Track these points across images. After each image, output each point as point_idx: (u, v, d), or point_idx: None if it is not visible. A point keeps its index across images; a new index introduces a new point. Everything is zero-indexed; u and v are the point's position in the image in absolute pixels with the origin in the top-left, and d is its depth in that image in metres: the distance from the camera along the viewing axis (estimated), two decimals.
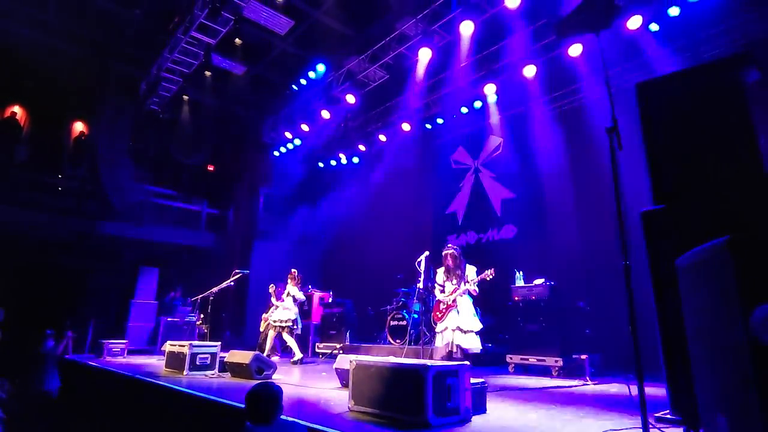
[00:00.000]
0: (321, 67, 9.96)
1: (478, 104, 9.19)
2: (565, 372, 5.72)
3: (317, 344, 9.23)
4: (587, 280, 7.12)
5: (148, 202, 12.50)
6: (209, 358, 5.87)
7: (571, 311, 6.41)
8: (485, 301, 6.57)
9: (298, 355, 7.27)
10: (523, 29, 7.66)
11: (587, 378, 5.37)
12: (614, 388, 4.86)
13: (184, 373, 5.60)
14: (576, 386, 5.03)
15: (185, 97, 11.53)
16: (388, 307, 8.40)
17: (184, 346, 5.86)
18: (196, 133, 12.87)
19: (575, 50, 7.23)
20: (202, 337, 9.11)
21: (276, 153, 12.51)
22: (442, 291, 5.55)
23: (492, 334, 7.09)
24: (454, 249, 5.63)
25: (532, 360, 6.06)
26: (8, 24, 10.03)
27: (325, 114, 10.41)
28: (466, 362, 3.44)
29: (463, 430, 2.94)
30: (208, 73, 10.78)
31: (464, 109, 9.42)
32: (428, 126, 10.28)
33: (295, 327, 7.50)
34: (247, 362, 5.36)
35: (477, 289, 5.40)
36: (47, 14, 10.12)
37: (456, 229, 10.09)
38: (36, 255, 11.10)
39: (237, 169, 13.99)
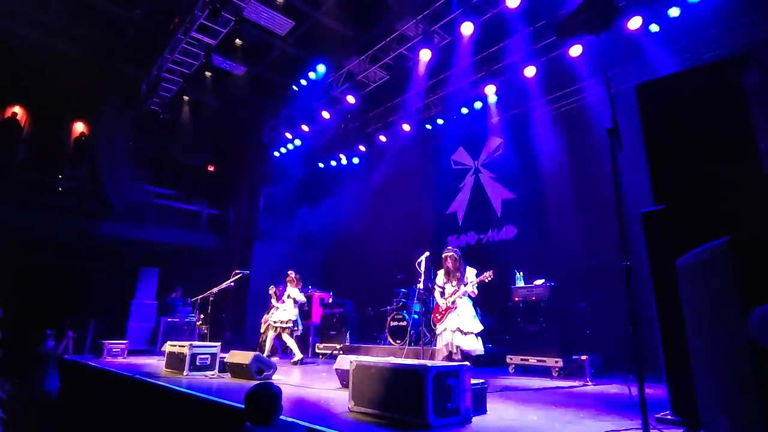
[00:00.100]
0: (321, 68, 9.96)
1: (478, 105, 9.19)
2: (566, 373, 5.72)
3: (317, 345, 9.22)
4: (587, 280, 7.11)
5: (149, 202, 12.50)
6: (209, 359, 5.87)
7: (572, 312, 6.41)
8: (485, 301, 6.56)
9: (298, 355, 7.27)
10: (523, 30, 7.67)
11: (587, 379, 5.37)
12: (614, 389, 4.86)
13: (184, 373, 5.59)
14: (576, 387, 5.03)
15: (185, 98, 11.54)
16: (389, 307, 8.40)
17: (184, 346, 5.86)
18: (196, 133, 12.87)
19: (575, 51, 7.24)
20: (202, 338, 9.11)
21: (276, 153, 12.52)
22: (442, 293, 5.55)
23: (492, 335, 7.09)
24: (454, 251, 5.63)
25: (533, 361, 6.05)
26: (9, 24, 10.05)
27: (326, 114, 10.41)
28: (466, 363, 3.43)
29: (464, 430, 2.94)
30: (208, 74, 10.79)
31: (464, 110, 9.42)
32: (428, 126, 10.28)
33: (295, 328, 7.50)
34: (247, 363, 5.35)
35: (476, 291, 5.39)
36: (48, 14, 10.13)
37: (456, 230, 10.09)
38: (36, 255, 11.12)
39: (237, 169, 14.00)
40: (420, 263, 5.78)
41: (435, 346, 6.25)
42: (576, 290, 6.82)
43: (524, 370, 6.23)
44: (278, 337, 7.56)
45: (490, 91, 8.69)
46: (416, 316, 7.49)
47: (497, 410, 3.57)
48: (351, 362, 3.56)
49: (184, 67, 9.70)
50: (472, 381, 3.28)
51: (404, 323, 7.64)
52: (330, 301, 9.75)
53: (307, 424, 2.76)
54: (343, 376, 4.51)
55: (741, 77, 2.56)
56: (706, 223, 2.39)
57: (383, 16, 9.19)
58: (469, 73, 8.74)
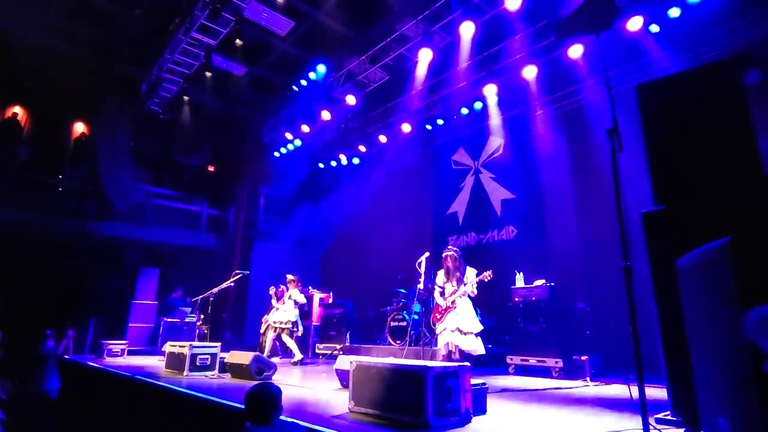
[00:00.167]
0: (321, 68, 9.97)
1: (478, 105, 9.19)
2: (566, 373, 5.71)
3: (317, 345, 9.23)
4: (587, 281, 7.11)
5: (149, 202, 12.49)
6: (209, 359, 5.87)
7: (572, 312, 6.40)
8: (485, 302, 6.56)
9: (298, 356, 7.27)
10: (523, 30, 7.67)
11: (587, 379, 5.37)
12: (614, 389, 4.85)
13: (184, 373, 5.59)
14: (576, 387, 5.03)
15: (186, 98, 11.54)
16: (389, 308, 8.40)
17: (184, 346, 5.86)
18: (196, 133, 12.88)
19: (575, 51, 7.24)
20: (202, 338, 9.10)
21: (276, 154, 12.52)
22: (442, 293, 5.55)
23: (492, 335, 7.08)
24: (454, 251, 5.62)
25: (533, 361, 6.05)
26: (9, 25, 10.05)
27: (326, 115, 10.41)
28: (467, 363, 3.43)
29: (464, 431, 2.94)
30: (208, 74, 10.80)
31: (464, 110, 9.42)
32: (428, 127, 10.28)
33: (295, 329, 7.50)
34: (247, 363, 5.35)
35: (475, 291, 5.39)
36: (48, 15, 10.13)
37: (456, 230, 10.09)
38: (36, 255, 11.11)
39: (237, 169, 14.00)
40: (420, 263, 5.78)
41: (435, 346, 6.25)
42: (576, 290, 6.82)
43: (524, 371, 6.22)
44: (278, 338, 7.56)
45: (491, 91, 8.69)
46: (416, 317, 7.49)
47: (497, 411, 3.57)
48: (351, 363, 3.56)
49: (184, 68, 9.70)
50: (472, 381, 3.28)
51: (404, 324, 7.64)
52: (330, 301, 9.75)
53: (307, 425, 2.76)
54: (343, 376, 4.51)
55: (741, 77, 2.56)
56: (706, 223, 2.39)
57: (383, 17, 9.20)
58: (469, 74, 8.75)
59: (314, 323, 9.61)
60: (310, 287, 9.96)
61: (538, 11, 7.31)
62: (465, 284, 5.38)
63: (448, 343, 5.30)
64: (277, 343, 7.79)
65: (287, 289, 7.74)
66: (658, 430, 2.65)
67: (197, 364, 5.74)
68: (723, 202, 2.45)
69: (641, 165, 2.83)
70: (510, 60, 8.12)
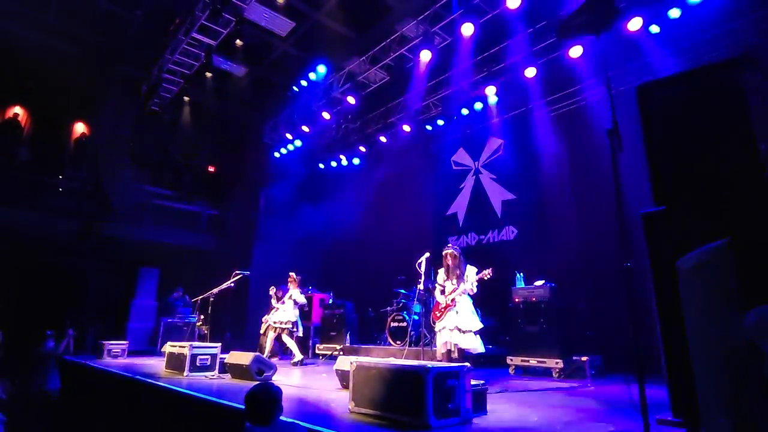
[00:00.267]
0: (321, 69, 9.97)
1: (478, 106, 9.19)
2: (566, 373, 5.71)
3: (317, 345, 9.22)
4: (588, 281, 7.11)
5: (149, 203, 12.50)
6: (209, 360, 5.87)
7: (572, 313, 6.40)
8: (486, 302, 6.56)
9: (298, 356, 7.26)
10: (523, 31, 7.68)
11: (588, 380, 5.37)
12: (615, 390, 4.85)
13: (185, 374, 5.59)
14: (577, 388, 5.03)
15: (186, 98, 11.57)
16: (389, 308, 8.40)
17: (184, 347, 5.86)
18: (196, 134, 12.89)
19: (576, 52, 7.24)
20: (202, 339, 9.11)
21: (276, 154, 12.52)
22: (442, 291, 5.54)
23: (493, 336, 7.08)
24: (454, 248, 5.61)
25: (533, 361, 6.05)
26: (9, 25, 10.06)
27: (326, 115, 10.42)
28: (467, 363, 3.43)
29: (464, 431, 2.94)
30: (209, 75, 10.81)
31: (465, 111, 9.43)
32: (429, 127, 10.29)
33: (295, 329, 7.49)
34: (247, 363, 5.35)
35: (475, 289, 5.37)
36: (48, 15, 10.14)
37: (456, 231, 10.09)
38: (36, 255, 11.11)
39: (237, 170, 14.00)
40: (420, 264, 5.78)
41: (435, 347, 6.25)
42: (576, 291, 6.82)
43: (525, 371, 6.22)
44: (278, 338, 7.56)
45: (491, 92, 8.70)
46: (416, 317, 7.49)
47: (497, 411, 3.57)
48: (351, 363, 3.56)
49: (184, 68, 9.70)
50: (473, 382, 3.28)
51: (404, 324, 7.64)
52: (330, 302, 9.75)
53: (307, 425, 2.76)
54: (343, 376, 4.51)
55: (741, 78, 2.56)
56: (706, 224, 2.39)
57: (384, 17, 9.21)
58: (470, 74, 8.75)
59: (314, 324, 9.60)
60: (309, 287, 9.96)
61: (538, 12, 7.32)
62: (465, 282, 5.36)
63: (446, 343, 5.28)
64: (277, 344, 7.79)
65: (288, 287, 7.75)
66: (659, 430, 2.65)
67: (197, 364, 5.74)
68: (723, 203, 2.45)
69: (641, 165, 2.83)
70: (510, 60, 8.13)
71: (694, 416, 2.22)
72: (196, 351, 5.79)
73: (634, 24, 6.52)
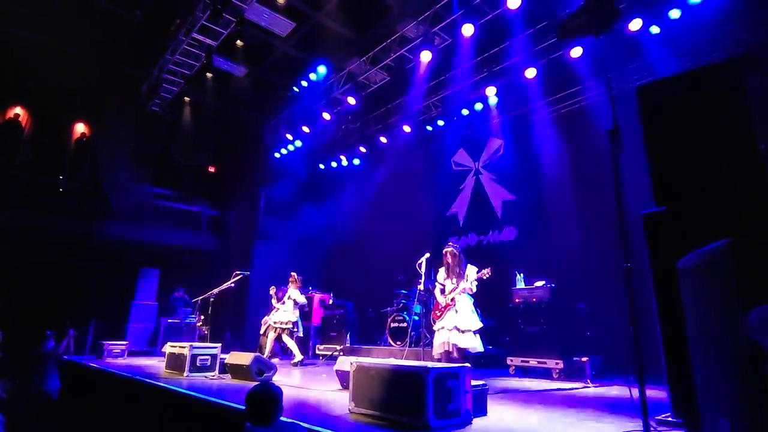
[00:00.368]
0: (322, 69, 9.97)
1: (479, 106, 9.19)
2: (566, 374, 5.71)
3: (318, 346, 9.22)
4: (588, 282, 7.10)
5: (149, 203, 12.51)
6: (209, 360, 5.87)
7: (572, 313, 6.40)
8: (486, 303, 6.55)
9: (299, 356, 7.26)
10: (524, 31, 7.67)
11: (588, 380, 5.36)
12: (615, 391, 4.85)
13: (185, 374, 5.59)
14: (577, 388, 5.02)
15: (186, 99, 11.55)
16: (389, 309, 8.40)
17: (184, 347, 5.86)
18: (197, 134, 12.88)
19: (576, 52, 7.24)
20: (202, 339, 9.11)
21: (277, 154, 12.52)
22: (443, 290, 5.54)
23: (492, 336, 7.08)
24: (454, 247, 5.60)
25: (533, 362, 6.05)
26: (10, 25, 10.06)
27: (326, 116, 10.42)
28: (467, 364, 3.43)
29: None
30: (209, 75, 10.79)
31: (465, 111, 9.43)
32: (429, 128, 10.29)
33: (295, 330, 7.50)
34: (247, 364, 5.35)
35: (474, 289, 5.36)
36: (49, 16, 10.14)
37: (457, 231, 10.09)
38: (37, 255, 11.11)
39: (238, 170, 14.01)
40: (420, 264, 5.77)
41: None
42: (577, 292, 6.81)
43: (525, 372, 6.22)
44: (278, 339, 7.56)
45: (491, 92, 8.70)
46: (416, 318, 7.49)
47: (498, 412, 3.57)
48: (351, 363, 3.55)
49: (185, 68, 9.71)
50: (473, 382, 3.28)
51: (404, 324, 7.64)
52: (330, 302, 9.75)
53: (307, 426, 2.76)
54: (343, 377, 4.51)
55: (741, 78, 2.56)
56: (706, 224, 2.39)
57: (384, 18, 9.21)
58: (470, 75, 8.75)
59: (314, 324, 9.60)
60: (310, 288, 9.96)
61: (538, 12, 7.32)
62: (465, 281, 5.36)
63: (444, 343, 5.27)
64: (278, 344, 7.79)
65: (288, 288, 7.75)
66: (659, 431, 2.65)
67: (197, 364, 5.73)
68: (723, 203, 2.46)
69: (642, 166, 2.84)
70: (510, 61, 8.13)
71: (694, 417, 2.22)
72: (196, 351, 5.78)
73: (635, 24, 6.52)
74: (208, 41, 8.83)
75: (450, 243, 5.85)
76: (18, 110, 11.76)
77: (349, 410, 3.40)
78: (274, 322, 7.52)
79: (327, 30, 9.78)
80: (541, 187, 8.58)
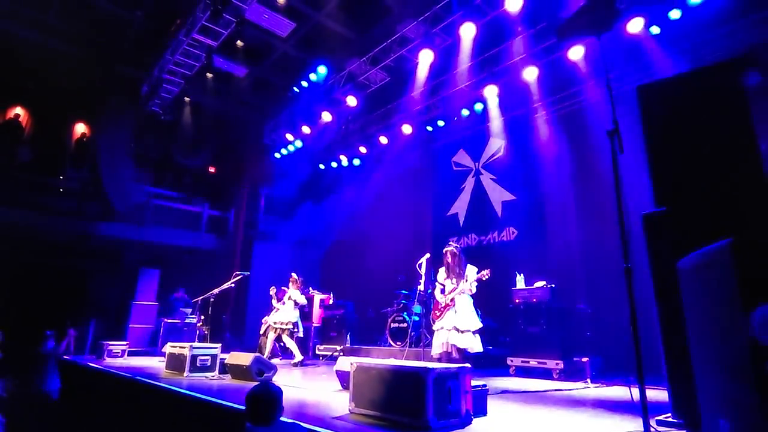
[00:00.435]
0: (322, 69, 9.98)
1: (479, 107, 9.19)
2: (566, 374, 5.70)
3: (318, 346, 9.22)
4: (588, 282, 7.10)
5: (149, 203, 12.51)
6: (210, 360, 5.86)
7: (572, 313, 6.40)
8: (486, 303, 6.56)
9: (299, 357, 7.26)
10: (524, 32, 7.68)
11: (588, 381, 5.36)
12: (615, 391, 4.84)
13: (185, 374, 5.59)
14: (577, 389, 5.02)
15: (187, 99, 11.57)
16: (389, 309, 8.39)
17: (184, 347, 5.86)
18: (197, 134, 12.90)
19: (576, 53, 7.24)
20: (202, 339, 9.11)
21: (277, 155, 12.52)
22: (443, 290, 5.53)
23: (493, 337, 7.08)
24: (454, 247, 5.59)
25: (533, 362, 6.04)
26: (10, 25, 10.08)
27: (326, 116, 10.42)
28: (467, 365, 3.43)
29: None
30: (209, 75, 10.81)
31: (465, 112, 9.43)
32: (429, 128, 10.29)
33: (295, 330, 7.50)
34: (247, 364, 5.35)
35: (474, 289, 5.36)
36: (49, 16, 10.15)
37: (457, 231, 10.09)
38: (37, 256, 11.13)
39: (238, 170, 14.02)
40: (420, 265, 5.77)
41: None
42: (577, 292, 6.82)
43: (525, 372, 6.21)
44: (278, 339, 7.56)
45: (491, 92, 8.70)
46: (417, 318, 7.49)
47: (498, 412, 3.56)
48: (351, 364, 3.55)
49: (185, 69, 9.71)
50: (473, 383, 3.28)
51: (405, 325, 7.64)
52: (330, 302, 9.75)
53: (307, 426, 2.76)
54: (343, 377, 4.51)
55: (742, 79, 2.57)
56: (706, 224, 2.39)
57: (384, 18, 9.22)
58: (470, 75, 8.75)
59: (314, 324, 9.60)
60: (310, 288, 9.97)
61: (538, 13, 7.32)
62: (465, 281, 5.35)
63: (444, 343, 5.26)
64: (278, 344, 7.79)
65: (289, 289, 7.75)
66: (659, 431, 2.65)
67: (197, 365, 5.73)
68: (723, 203, 2.45)
69: (642, 166, 2.83)
70: (511, 61, 8.12)
71: (694, 417, 2.22)
72: (196, 351, 5.78)
73: (635, 25, 6.52)
74: (209, 41, 8.83)
75: (450, 243, 5.84)
76: (18, 110, 11.78)
77: (350, 411, 3.40)
78: (274, 323, 7.52)
79: (327, 30, 9.79)
80: (541, 187, 8.58)
